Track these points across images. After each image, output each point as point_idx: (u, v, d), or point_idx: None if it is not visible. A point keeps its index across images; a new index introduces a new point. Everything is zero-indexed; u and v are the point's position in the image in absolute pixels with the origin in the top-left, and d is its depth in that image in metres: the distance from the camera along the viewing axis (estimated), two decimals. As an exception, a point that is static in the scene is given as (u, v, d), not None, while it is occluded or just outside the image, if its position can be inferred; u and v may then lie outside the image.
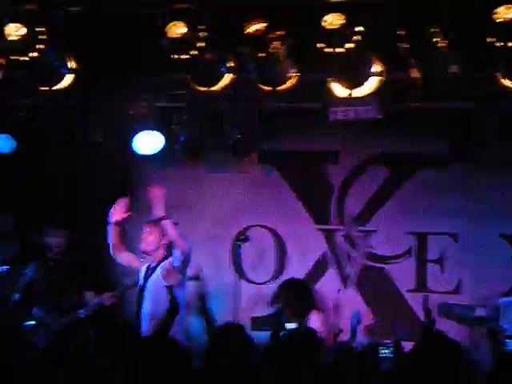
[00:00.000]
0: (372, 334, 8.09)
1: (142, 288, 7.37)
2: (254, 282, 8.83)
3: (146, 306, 7.29)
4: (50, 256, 8.10)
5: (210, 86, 7.06)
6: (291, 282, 8.29)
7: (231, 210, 8.90)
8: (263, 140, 8.45)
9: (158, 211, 7.18)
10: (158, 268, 7.33)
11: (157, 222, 7.26)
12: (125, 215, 7.48)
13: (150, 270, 7.38)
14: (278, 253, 8.87)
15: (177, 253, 7.18)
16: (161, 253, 7.40)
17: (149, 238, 7.40)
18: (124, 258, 7.65)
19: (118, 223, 7.48)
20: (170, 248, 7.36)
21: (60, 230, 8.07)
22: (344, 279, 8.70)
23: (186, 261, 7.23)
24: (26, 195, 8.73)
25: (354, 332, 7.39)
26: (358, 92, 6.83)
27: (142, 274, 7.46)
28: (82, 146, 8.12)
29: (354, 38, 6.31)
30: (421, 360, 4.42)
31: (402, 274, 8.52)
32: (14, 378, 4.57)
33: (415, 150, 8.42)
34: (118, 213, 7.49)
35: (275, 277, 8.82)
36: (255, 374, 4.91)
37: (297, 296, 8.00)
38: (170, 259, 7.31)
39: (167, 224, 7.18)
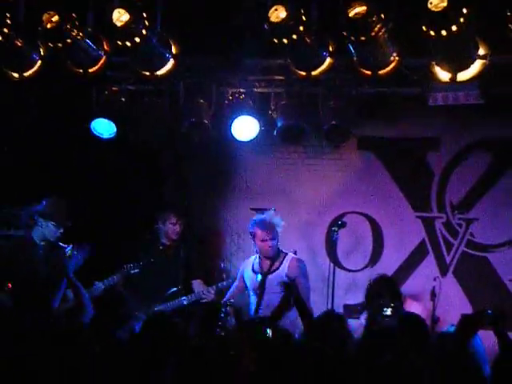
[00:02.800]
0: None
1: (262, 284, 7.42)
2: (348, 269, 8.73)
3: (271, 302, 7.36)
4: (164, 242, 8.09)
5: (310, 71, 7.00)
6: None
7: (328, 197, 8.82)
8: (362, 126, 8.34)
9: None
10: (285, 262, 7.44)
11: None
12: None
13: (268, 266, 7.45)
14: (374, 239, 8.75)
15: None
16: None
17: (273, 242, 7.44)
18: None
19: None
20: None
21: (181, 217, 8.08)
22: (442, 267, 8.53)
23: None
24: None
25: None
26: (463, 76, 6.66)
27: (248, 273, 7.59)
28: (183, 130, 8.12)
29: (460, 20, 6.13)
30: None
31: (505, 263, 8.29)
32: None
33: (519, 135, 8.19)
34: None
35: (371, 264, 8.71)
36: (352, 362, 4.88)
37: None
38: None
39: None
